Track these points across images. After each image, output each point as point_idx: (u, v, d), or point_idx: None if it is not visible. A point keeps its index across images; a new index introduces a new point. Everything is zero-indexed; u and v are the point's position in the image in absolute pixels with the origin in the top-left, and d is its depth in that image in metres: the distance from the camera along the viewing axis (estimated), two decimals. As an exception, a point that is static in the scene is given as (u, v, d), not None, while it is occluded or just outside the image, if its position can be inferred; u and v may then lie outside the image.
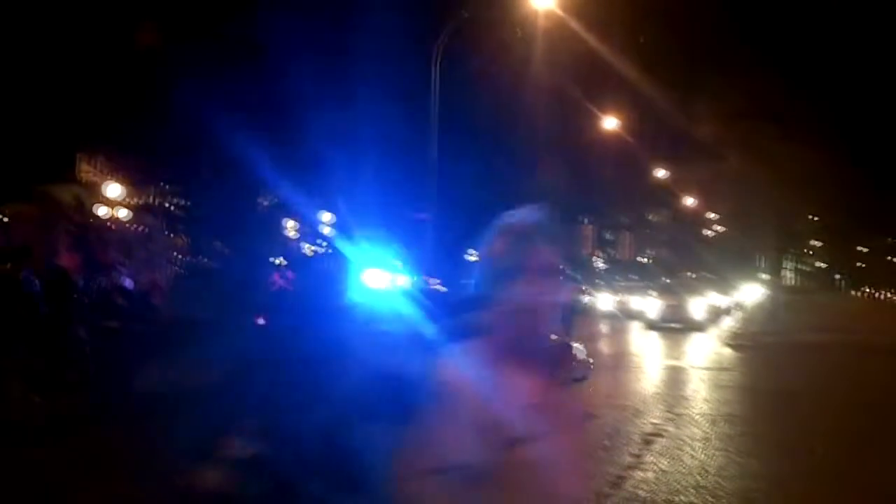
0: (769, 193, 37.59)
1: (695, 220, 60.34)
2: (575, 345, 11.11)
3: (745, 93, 34.57)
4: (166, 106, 24.68)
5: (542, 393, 1.97)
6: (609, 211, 56.12)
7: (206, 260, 33.68)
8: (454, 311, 2.27)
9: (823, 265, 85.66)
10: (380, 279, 12.18)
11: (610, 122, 33.00)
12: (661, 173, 46.70)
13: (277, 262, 24.20)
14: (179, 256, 30.45)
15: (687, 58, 32.76)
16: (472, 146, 26.97)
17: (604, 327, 24.81)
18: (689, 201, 53.45)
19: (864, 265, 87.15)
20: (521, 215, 2.07)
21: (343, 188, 28.50)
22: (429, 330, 4.30)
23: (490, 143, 28.60)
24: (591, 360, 11.31)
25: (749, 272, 69.76)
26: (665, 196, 53.93)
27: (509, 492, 1.87)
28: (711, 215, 58.82)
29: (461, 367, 1.94)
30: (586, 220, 49.78)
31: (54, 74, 24.25)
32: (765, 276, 74.86)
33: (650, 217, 71.02)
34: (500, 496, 1.86)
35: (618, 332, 24.36)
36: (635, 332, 25.76)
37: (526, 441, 1.88)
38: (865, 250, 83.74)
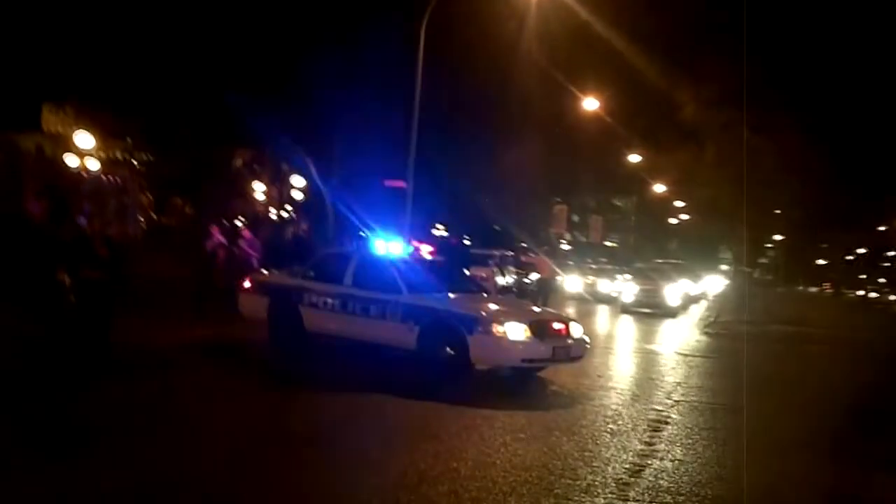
0: (739, 185, 37.63)
1: (661, 208, 60.50)
2: (573, 323, 10.76)
3: (724, 81, 34.42)
4: (136, 57, 23.78)
5: None
6: (579, 193, 55.98)
7: (167, 218, 32.86)
8: None
9: (784, 259, 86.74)
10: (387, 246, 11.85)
11: (588, 104, 32.46)
12: (633, 158, 46.56)
13: (241, 223, 23.55)
14: (143, 214, 29.60)
15: (668, 43, 32.49)
16: (453, 117, 26.48)
17: (575, 309, 24.42)
18: (658, 188, 53.46)
19: (823, 262, 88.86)
20: None
21: (318, 153, 27.87)
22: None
23: (470, 116, 28.15)
24: (588, 340, 10.96)
25: (712, 262, 70.27)
26: (635, 182, 53.82)
27: None
28: (678, 203, 58.99)
29: None
30: (558, 200, 49.62)
31: (19, 23, 23.27)
32: (727, 267, 75.66)
33: (618, 202, 71.21)
34: None
35: (591, 315, 24.03)
36: (609, 314, 25.51)
37: None
38: (825, 246, 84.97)
